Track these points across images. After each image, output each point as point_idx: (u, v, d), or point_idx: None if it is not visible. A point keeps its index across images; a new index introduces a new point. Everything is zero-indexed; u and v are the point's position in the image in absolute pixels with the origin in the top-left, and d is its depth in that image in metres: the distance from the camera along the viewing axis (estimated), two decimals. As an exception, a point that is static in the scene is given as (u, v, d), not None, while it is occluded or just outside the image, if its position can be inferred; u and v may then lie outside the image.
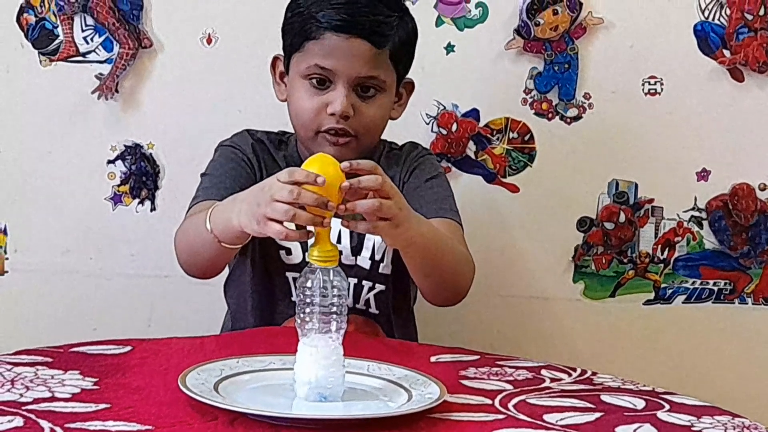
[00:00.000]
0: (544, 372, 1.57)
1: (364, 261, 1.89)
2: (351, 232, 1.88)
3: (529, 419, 1.34)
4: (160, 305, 2.23)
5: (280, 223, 1.47)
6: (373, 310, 1.90)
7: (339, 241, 1.87)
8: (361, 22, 1.82)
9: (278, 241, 1.88)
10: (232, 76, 2.18)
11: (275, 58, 1.94)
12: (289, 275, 1.89)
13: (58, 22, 2.17)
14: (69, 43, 2.18)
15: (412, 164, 1.95)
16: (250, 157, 1.92)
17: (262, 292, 1.92)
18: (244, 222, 1.54)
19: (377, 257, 1.89)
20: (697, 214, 2.22)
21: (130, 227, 2.22)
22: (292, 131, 1.97)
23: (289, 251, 1.88)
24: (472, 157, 2.21)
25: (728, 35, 2.17)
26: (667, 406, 1.43)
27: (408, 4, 2.02)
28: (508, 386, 1.49)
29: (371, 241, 1.89)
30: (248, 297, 1.95)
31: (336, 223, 1.42)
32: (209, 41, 2.18)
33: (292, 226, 1.46)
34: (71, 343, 1.58)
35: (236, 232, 1.60)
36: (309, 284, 1.36)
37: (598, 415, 1.38)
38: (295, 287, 1.84)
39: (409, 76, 1.94)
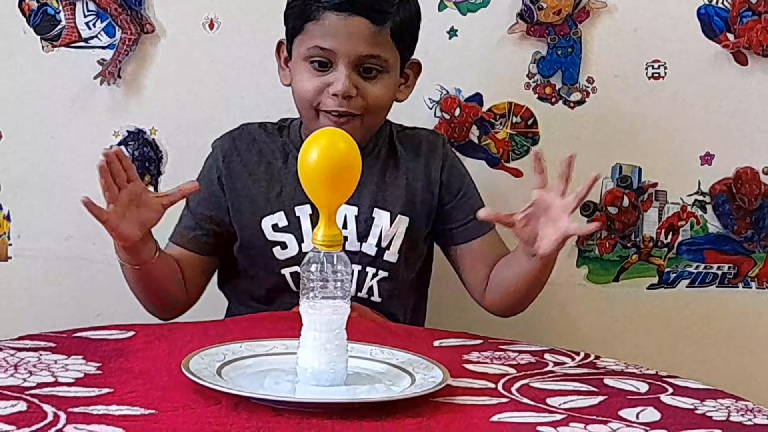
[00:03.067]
0: (547, 356, 1.57)
1: (369, 248, 1.89)
2: (357, 217, 1.88)
3: (532, 403, 1.34)
4: (163, 291, 2.22)
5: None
6: (375, 298, 1.90)
7: (345, 226, 1.87)
8: (361, 0, 1.82)
9: (270, 238, 1.88)
10: (235, 61, 2.17)
11: (280, 43, 1.94)
12: (286, 271, 1.88)
13: (60, 8, 2.17)
14: (71, 29, 2.17)
15: (446, 160, 1.96)
16: (220, 166, 1.93)
17: (255, 292, 1.93)
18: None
19: (383, 244, 1.89)
20: (700, 198, 2.21)
21: (134, 213, 2.22)
22: (294, 117, 1.97)
23: (284, 245, 1.88)
24: (476, 141, 2.20)
25: (732, 19, 2.17)
26: (671, 390, 1.43)
27: (411, -12, 2.01)
28: (512, 370, 1.49)
29: (379, 228, 1.89)
30: (241, 299, 1.96)
31: (342, 208, 1.42)
32: (212, 26, 2.17)
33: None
34: (74, 329, 1.58)
35: (118, 245, 1.79)
36: (313, 268, 1.35)
37: (601, 398, 1.38)
38: (293, 280, 1.86)
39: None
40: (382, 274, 1.90)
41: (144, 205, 1.75)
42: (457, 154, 2.18)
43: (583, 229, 1.80)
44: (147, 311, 1.93)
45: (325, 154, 1.34)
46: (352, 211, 1.88)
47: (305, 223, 1.87)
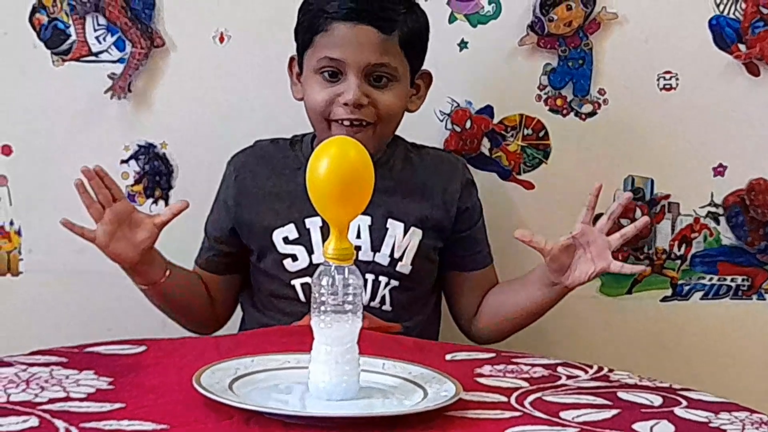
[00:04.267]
0: (560, 369, 1.57)
1: (383, 258, 1.89)
2: (370, 227, 1.88)
3: (545, 416, 1.34)
4: (174, 305, 2.22)
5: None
6: (386, 307, 1.89)
7: (358, 235, 1.87)
8: (367, 8, 1.83)
9: (281, 250, 1.88)
10: (245, 74, 2.17)
11: (291, 59, 1.95)
12: (296, 282, 1.88)
13: (71, 22, 2.17)
14: (81, 43, 2.17)
15: (466, 187, 1.98)
16: (230, 185, 1.96)
17: (266, 301, 1.93)
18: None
19: (396, 255, 1.89)
20: (713, 209, 2.20)
21: (144, 227, 2.21)
22: (307, 132, 1.97)
23: (294, 257, 1.88)
24: (487, 154, 2.20)
25: (743, 29, 2.16)
26: (685, 403, 1.43)
27: (420, 0, 2.01)
28: (524, 384, 1.48)
29: (392, 238, 1.89)
30: (253, 308, 1.96)
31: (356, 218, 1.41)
32: (222, 40, 2.17)
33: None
34: (86, 343, 1.58)
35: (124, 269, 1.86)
36: (324, 282, 1.34)
37: (614, 412, 1.37)
38: (304, 291, 1.86)
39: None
40: (395, 283, 1.90)
41: (136, 226, 1.78)
42: (467, 166, 2.18)
43: (627, 268, 1.84)
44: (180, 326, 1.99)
45: (336, 164, 1.32)
46: (365, 221, 1.88)
47: (315, 235, 1.87)
